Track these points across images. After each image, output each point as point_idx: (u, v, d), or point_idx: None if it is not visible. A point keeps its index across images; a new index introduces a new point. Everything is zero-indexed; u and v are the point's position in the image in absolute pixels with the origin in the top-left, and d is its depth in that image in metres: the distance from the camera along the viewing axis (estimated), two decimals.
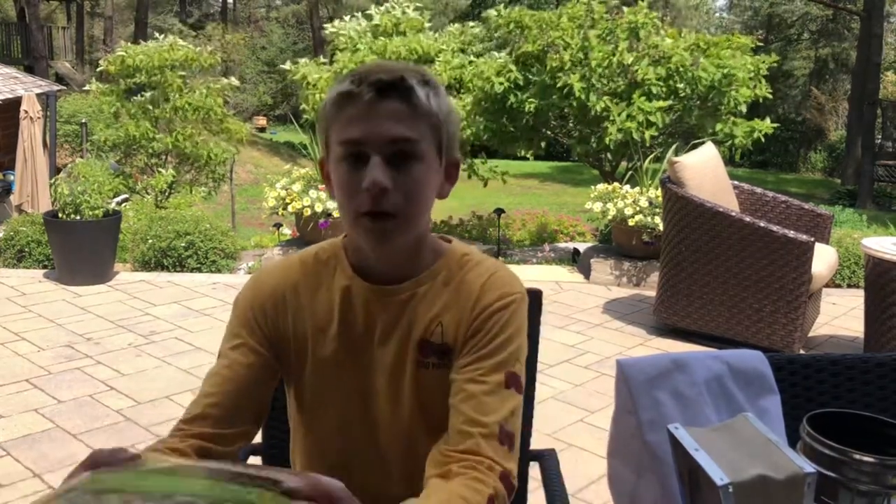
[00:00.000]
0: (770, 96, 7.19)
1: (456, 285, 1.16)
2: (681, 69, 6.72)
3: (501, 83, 7.11)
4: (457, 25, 9.49)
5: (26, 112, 7.60)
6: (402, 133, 1.05)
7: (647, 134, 6.47)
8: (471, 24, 9.59)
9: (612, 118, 6.59)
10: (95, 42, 29.16)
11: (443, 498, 0.99)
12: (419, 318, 1.15)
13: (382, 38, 8.53)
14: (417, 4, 9.13)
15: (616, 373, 1.27)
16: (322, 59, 9.22)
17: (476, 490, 1.00)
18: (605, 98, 6.65)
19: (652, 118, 6.51)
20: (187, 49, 9.49)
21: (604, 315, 4.92)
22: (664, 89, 6.70)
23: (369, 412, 1.19)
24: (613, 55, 6.72)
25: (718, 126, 7.00)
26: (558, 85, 6.72)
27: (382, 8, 9.00)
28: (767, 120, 7.16)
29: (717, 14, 34.48)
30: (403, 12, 8.89)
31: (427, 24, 9.09)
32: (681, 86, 6.73)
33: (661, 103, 6.56)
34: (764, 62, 7.06)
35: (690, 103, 6.94)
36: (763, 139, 7.13)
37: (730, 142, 7.02)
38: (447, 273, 1.18)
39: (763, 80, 7.10)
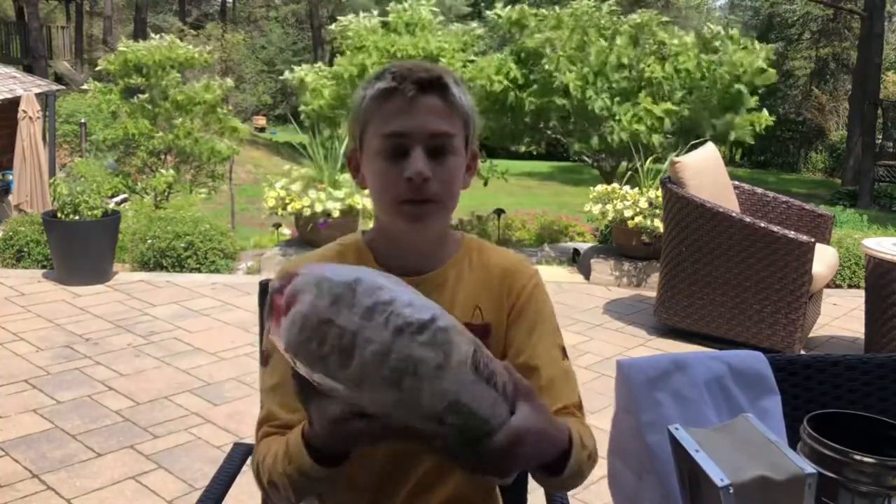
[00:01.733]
0: (773, 80, 7.22)
1: (483, 269, 1.24)
2: (702, 65, 6.74)
3: (500, 81, 7.10)
4: (458, 25, 9.48)
5: (25, 112, 7.59)
6: (441, 128, 1.13)
7: (655, 138, 6.43)
8: (473, 24, 9.59)
9: (617, 118, 6.56)
10: (94, 41, 29.14)
11: (577, 427, 1.11)
12: (457, 303, 1.20)
13: (394, 35, 8.52)
14: (434, 9, 9.10)
15: (616, 373, 1.26)
16: (320, 66, 9.20)
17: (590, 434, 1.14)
18: (603, 96, 6.64)
19: (662, 121, 6.49)
20: (185, 48, 9.52)
21: (604, 315, 4.92)
22: (678, 84, 6.69)
23: None
24: (611, 49, 6.72)
25: (737, 122, 6.98)
26: (555, 85, 6.72)
27: (400, 7, 8.96)
28: (765, 111, 7.16)
29: (718, 14, 34.51)
30: (417, 11, 8.87)
31: (438, 25, 9.07)
32: (703, 82, 6.70)
33: (669, 105, 6.54)
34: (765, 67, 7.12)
35: (708, 95, 6.88)
36: (763, 132, 7.14)
37: (732, 136, 7.00)
38: (470, 259, 1.26)
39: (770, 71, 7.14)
